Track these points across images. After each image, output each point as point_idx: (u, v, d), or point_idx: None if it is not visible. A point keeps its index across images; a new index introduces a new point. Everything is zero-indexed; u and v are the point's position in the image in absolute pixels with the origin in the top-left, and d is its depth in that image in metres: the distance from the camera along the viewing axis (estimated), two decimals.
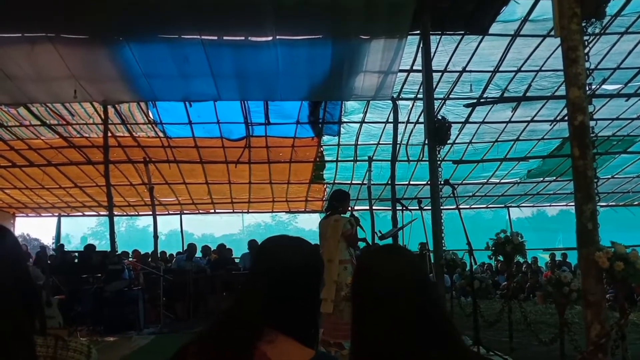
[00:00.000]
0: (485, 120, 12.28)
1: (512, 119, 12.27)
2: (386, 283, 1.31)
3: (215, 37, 8.24)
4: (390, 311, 1.28)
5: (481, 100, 11.03)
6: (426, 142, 7.83)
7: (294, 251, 1.38)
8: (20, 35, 7.98)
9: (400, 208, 10.40)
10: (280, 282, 1.32)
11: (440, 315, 1.34)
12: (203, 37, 8.04)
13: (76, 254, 11.55)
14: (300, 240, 1.43)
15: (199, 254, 12.56)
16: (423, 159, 12.96)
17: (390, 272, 1.34)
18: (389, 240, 7.37)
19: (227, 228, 21.43)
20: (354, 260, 6.21)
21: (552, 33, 4.28)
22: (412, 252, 1.49)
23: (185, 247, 13.78)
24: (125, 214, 19.24)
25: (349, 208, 6.61)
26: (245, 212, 19.26)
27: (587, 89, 3.68)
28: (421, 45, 7.97)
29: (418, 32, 7.95)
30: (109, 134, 11.20)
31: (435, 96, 8.66)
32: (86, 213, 19.15)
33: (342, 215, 6.29)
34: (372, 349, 1.28)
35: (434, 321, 1.30)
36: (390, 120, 11.50)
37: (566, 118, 3.79)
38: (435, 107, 7.90)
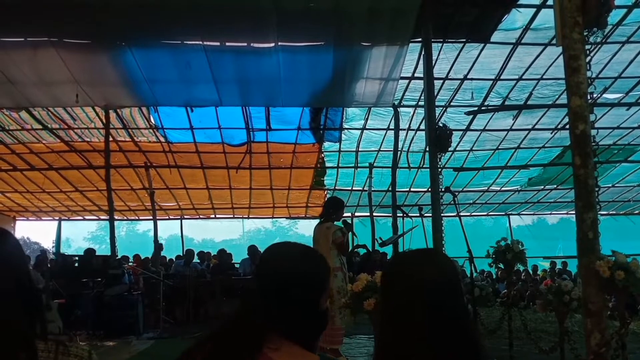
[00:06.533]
0: (486, 128, 12.29)
1: (513, 127, 12.28)
2: (434, 290, 1.28)
3: (218, 43, 8.28)
4: (433, 317, 1.25)
5: (482, 108, 11.05)
6: (427, 149, 7.84)
7: (295, 258, 1.36)
8: (23, 39, 8.02)
9: (401, 215, 10.41)
10: (282, 289, 1.30)
11: (469, 322, 1.33)
12: (205, 42, 8.07)
13: (76, 258, 11.53)
14: (304, 247, 1.41)
15: (196, 259, 12.54)
16: (424, 166, 12.94)
17: (438, 278, 1.30)
18: (390, 248, 7.37)
19: (228, 233, 21.38)
20: (344, 268, 6.23)
21: (554, 42, 4.29)
22: (449, 257, 1.45)
23: (185, 253, 13.75)
24: (125, 218, 19.24)
25: (342, 216, 6.65)
26: (245, 218, 19.22)
27: (589, 97, 3.69)
28: (423, 53, 8.01)
29: (420, 39, 8.00)
30: (110, 139, 11.20)
31: (437, 103, 8.67)
32: (87, 217, 19.13)
33: (335, 222, 6.35)
34: (401, 354, 1.25)
35: (466, 328, 1.28)
36: (391, 127, 11.52)
37: (567, 126, 3.80)
38: (437, 114, 7.91)
